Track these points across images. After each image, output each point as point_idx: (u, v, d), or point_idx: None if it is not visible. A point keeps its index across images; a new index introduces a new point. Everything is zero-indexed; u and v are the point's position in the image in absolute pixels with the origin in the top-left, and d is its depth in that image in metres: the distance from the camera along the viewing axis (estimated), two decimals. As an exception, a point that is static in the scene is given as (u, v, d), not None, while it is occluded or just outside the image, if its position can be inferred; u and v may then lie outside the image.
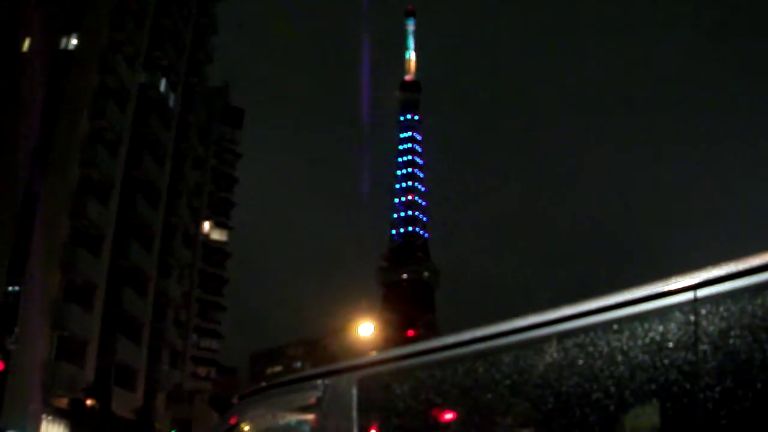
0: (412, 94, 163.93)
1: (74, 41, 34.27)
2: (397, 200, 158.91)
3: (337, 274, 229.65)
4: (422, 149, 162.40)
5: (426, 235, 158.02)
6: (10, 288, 28.78)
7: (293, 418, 2.72)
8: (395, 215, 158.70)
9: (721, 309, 1.53)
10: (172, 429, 42.37)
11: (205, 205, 57.77)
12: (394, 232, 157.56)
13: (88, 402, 29.81)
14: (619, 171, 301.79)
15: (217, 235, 61.19)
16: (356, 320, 30.53)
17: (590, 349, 1.71)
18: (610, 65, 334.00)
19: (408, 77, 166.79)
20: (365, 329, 28.90)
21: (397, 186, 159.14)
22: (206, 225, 58.89)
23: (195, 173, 50.12)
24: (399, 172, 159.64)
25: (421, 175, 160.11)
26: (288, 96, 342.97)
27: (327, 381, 2.42)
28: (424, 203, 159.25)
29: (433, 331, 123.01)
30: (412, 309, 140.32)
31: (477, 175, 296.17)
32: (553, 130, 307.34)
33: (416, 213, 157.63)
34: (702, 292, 1.56)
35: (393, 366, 2.26)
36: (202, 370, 57.54)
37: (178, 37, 43.52)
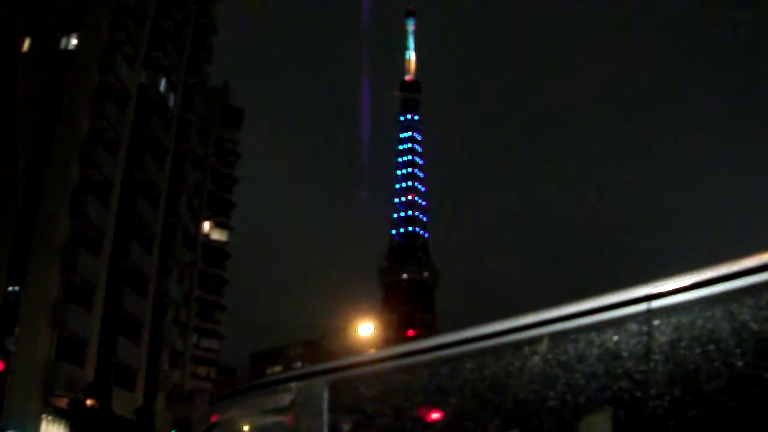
0: (412, 94, 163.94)
1: (74, 41, 34.25)
2: (397, 200, 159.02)
3: (337, 274, 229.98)
4: (422, 149, 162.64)
5: (426, 235, 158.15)
6: (10, 288, 28.77)
7: (270, 418, 2.77)
8: (395, 215, 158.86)
9: (673, 320, 1.57)
10: (173, 429, 42.37)
11: (205, 205, 57.79)
12: (394, 232, 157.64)
13: (88, 402, 29.79)
14: (620, 170, 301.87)
15: (217, 235, 61.19)
16: (356, 320, 30.53)
17: (549, 356, 1.76)
18: (611, 64, 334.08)
19: (408, 77, 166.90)
20: (365, 329, 28.90)
21: (397, 186, 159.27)
22: (206, 225, 58.89)
23: (195, 173, 50.11)
24: (399, 172, 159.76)
25: (421, 175, 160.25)
26: (288, 96, 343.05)
27: (300, 384, 2.49)
28: (424, 203, 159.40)
29: (432, 331, 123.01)
30: (412, 309, 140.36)
31: (477, 174, 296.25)
32: (554, 129, 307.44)
33: (416, 213, 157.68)
34: (655, 304, 1.61)
35: (364, 370, 2.33)
36: (202, 370, 57.53)
37: (178, 37, 43.50)
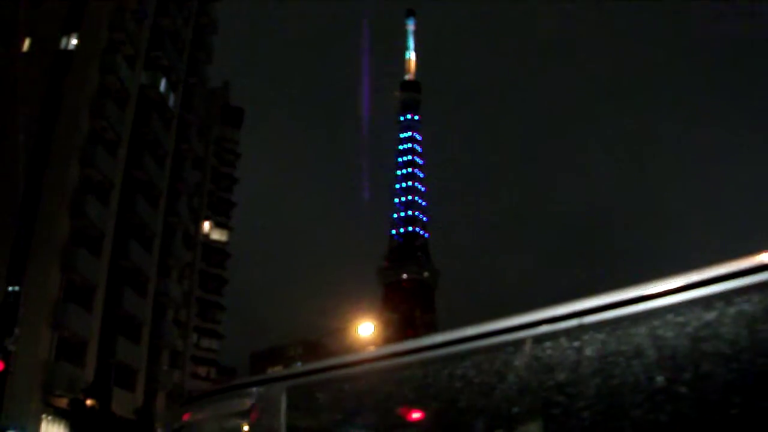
0: (412, 94, 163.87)
1: (74, 41, 34.25)
2: (397, 200, 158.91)
3: (338, 274, 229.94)
4: (422, 149, 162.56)
5: (426, 235, 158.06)
6: (10, 288, 28.76)
7: (234, 421, 2.89)
8: (395, 215, 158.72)
9: (603, 335, 1.67)
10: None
11: (205, 205, 57.77)
12: (394, 232, 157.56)
13: (88, 402, 29.79)
14: (620, 169, 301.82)
15: (217, 235, 61.18)
16: (356, 320, 30.52)
17: (486, 368, 1.88)
18: (611, 63, 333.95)
19: (408, 77, 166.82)
20: (365, 329, 28.90)
21: (397, 186, 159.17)
22: (206, 225, 58.88)
23: (195, 173, 50.10)
24: (399, 172, 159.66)
25: (421, 175, 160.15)
26: (288, 96, 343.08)
27: (260, 389, 2.61)
28: (424, 203, 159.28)
29: (432, 331, 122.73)
30: (412, 309, 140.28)
31: (477, 174, 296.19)
32: (554, 128, 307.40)
33: (416, 213, 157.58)
34: (587, 320, 1.70)
35: (320, 377, 2.46)
36: (202, 370, 57.51)
37: (178, 37, 43.50)
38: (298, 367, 2.67)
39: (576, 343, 1.71)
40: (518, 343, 1.81)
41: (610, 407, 1.62)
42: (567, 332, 1.74)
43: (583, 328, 1.72)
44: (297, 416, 2.46)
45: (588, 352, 1.68)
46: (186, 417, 3.06)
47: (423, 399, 2.07)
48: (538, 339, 1.79)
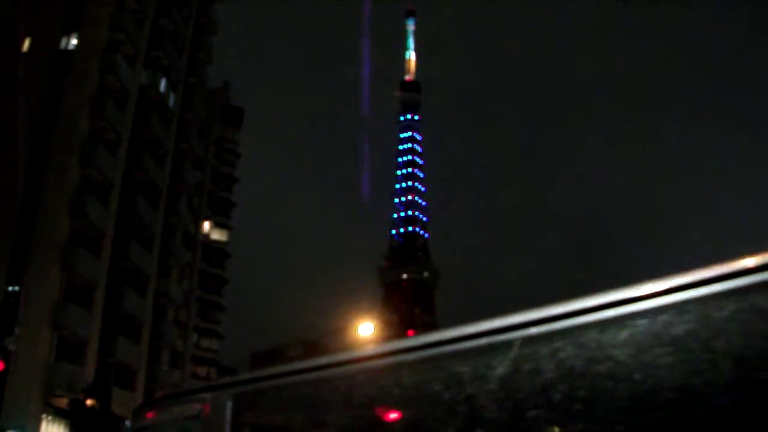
0: (412, 94, 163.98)
1: (74, 41, 34.26)
2: (397, 200, 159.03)
3: (337, 274, 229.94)
4: (422, 149, 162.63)
5: (426, 235, 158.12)
6: (10, 288, 28.76)
7: (186, 425, 2.94)
8: (395, 215, 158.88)
9: (532, 349, 1.73)
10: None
11: (205, 205, 57.79)
12: (394, 232, 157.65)
13: (88, 402, 29.79)
14: (621, 169, 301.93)
15: (217, 235, 61.21)
16: (356, 320, 30.50)
17: (425, 377, 1.93)
18: (611, 63, 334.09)
19: (408, 77, 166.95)
20: (365, 329, 28.88)
21: (397, 186, 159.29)
22: (206, 225, 58.90)
23: (195, 173, 50.11)
24: (399, 172, 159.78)
25: (421, 175, 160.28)
26: (288, 96, 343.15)
27: (209, 395, 2.65)
28: (424, 203, 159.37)
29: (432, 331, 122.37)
30: (412, 309, 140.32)
31: (477, 174, 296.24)
32: (554, 128, 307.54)
33: (416, 213, 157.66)
34: (522, 333, 1.76)
35: (267, 384, 2.49)
36: (202, 370, 57.53)
37: (178, 37, 43.50)
38: (246, 374, 2.71)
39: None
40: (477, 352, 1.84)
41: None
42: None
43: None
44: (242, 423, 2.50)
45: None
46: (150, 415, 3.14)
47: (370, 409, 2.10)
48: (491, 348, 1.82)
